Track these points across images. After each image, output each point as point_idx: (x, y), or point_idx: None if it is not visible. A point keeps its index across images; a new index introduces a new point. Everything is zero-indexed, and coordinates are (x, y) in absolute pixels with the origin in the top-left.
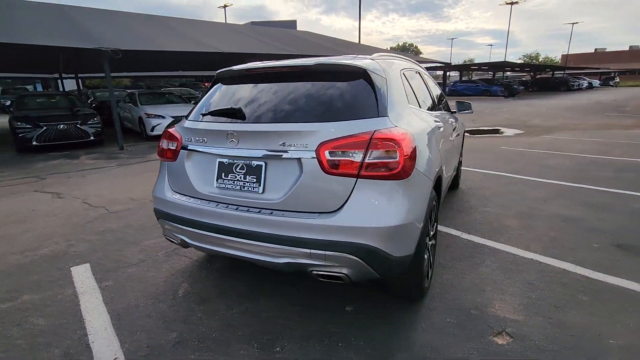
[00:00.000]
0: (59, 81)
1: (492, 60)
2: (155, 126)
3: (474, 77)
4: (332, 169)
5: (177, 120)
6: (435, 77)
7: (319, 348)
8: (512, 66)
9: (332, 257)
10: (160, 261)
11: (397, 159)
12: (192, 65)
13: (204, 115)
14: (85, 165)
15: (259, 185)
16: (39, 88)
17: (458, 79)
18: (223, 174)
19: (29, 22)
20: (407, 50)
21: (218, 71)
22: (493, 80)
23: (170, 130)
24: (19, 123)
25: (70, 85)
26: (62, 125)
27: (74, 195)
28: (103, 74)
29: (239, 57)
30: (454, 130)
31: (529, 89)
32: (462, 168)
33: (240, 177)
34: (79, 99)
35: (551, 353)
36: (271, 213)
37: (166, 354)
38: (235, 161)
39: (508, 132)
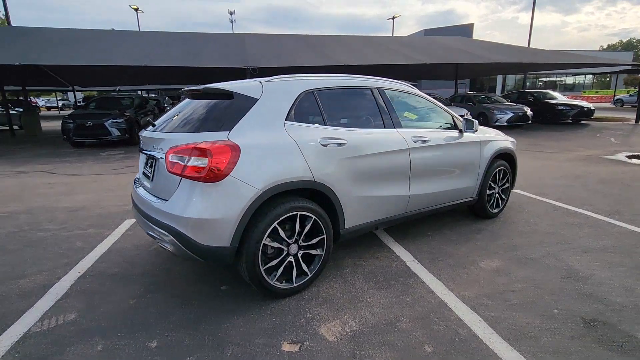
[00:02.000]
0: None
1: None
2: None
3: None
4: (170, 168)
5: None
6: None
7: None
8: None
9: (163, 235)
10: None
11: (206, 166)
12: None
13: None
14: None
15: (150, 176)
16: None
17: None
18: (144, 167)
19: (209, 49)
20: (634, 47)
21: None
22: None
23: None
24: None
25: None
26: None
27: None
28: None
29: (356, 69)
30: (436, 147)
31: None
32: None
33: (148, 171)
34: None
35: None
36: (150, 197)
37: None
38: (148, 159)
39: None
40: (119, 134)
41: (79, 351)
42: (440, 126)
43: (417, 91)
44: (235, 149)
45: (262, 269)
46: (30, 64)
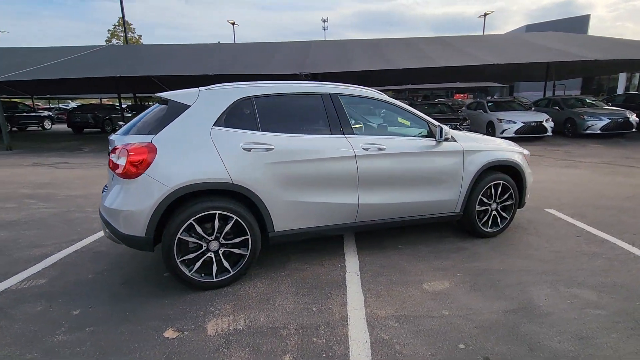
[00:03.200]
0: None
1: None
2: (505, 130)
3: None
4: (109, 165)
5: (526, 125)
6: None
7: None
8: None
9: (102, 223)
10: None
11: (123, 165)
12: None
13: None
14: None
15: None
16: None
17: None
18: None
19: (277, 58)
20: None
21: None
22: None
23: None
24: None
25: None
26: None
27: None
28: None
29: (418, 72)
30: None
31: None
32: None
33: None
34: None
35: None
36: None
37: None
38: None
39: None
40: None
41: (24, 309)
42: (411, 134)
43: (385, 98)
44: (152, 151)
45: (177, 260)
46: (143, 75)
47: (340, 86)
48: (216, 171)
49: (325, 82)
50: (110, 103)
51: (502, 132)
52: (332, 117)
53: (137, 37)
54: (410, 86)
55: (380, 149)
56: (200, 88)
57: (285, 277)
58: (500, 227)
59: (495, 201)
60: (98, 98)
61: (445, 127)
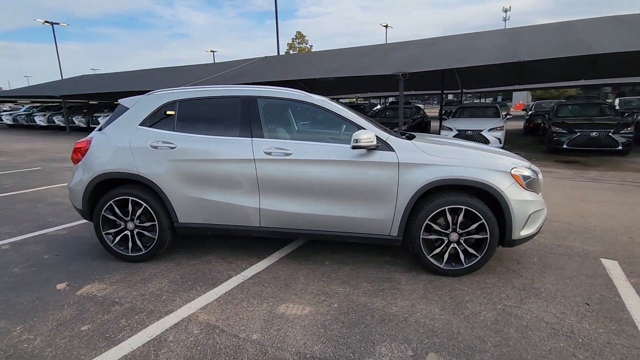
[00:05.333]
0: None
1: None
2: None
3: None
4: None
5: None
6: None
7: None
8: None
9: None
10: None
11: (72, 154)
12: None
13: None
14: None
15: None
16: (499, 99)
17: None
18: None
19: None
20: None
21: None
22: None
23: None
24: (557, 128)
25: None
26: (594, 133)
27: None
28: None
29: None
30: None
31: None
32: None
33: None
34: (610, 108)
35: None
36: None
37: None
38: None
39: None
40: None
41: (12, 268)
42: (335, 140)
43: (312, 100)
44: (88, 144)
45: (102, 232)
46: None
47: (265, 89)
48: (126, 163)
49: (255, 86)
50: None
51: None
52: (244, 120)
53: (309, 47)
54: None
55: (286, 154)
56: (148, 94)
57: (181, 266)
58: (465, 265)
59: (456, 231)
60: None
61: (372, 133)
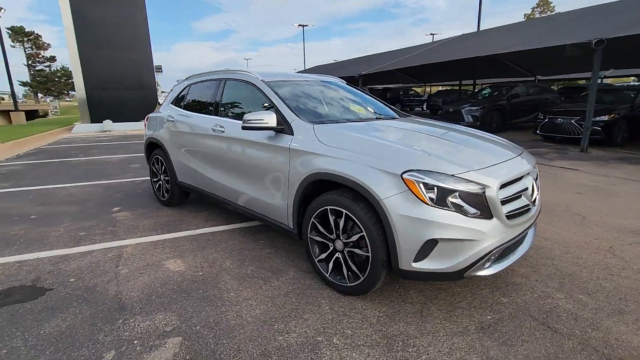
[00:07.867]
0: None
1: None
2: None
3: None
4: None
5: None
6: None
7: None
8: None
9: None
10: None
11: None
12: None
13: None
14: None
15: None
16: None
17: None
18: None
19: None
20: None
21: None
22: None
23: None
24: None
25: None
26: None
27: None
28: None
29: None
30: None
31: None
32: None
33: None
34: None
35: None
36: None
37: None
38: None
39: None
40: None
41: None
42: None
43: (255, 80)
44: (146, 118)
45: (151, 181)
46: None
47: (235, 71)
48: (156, 131)
49: (239, 69)
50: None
51: None
52: (216, 99)
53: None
54: None
55: (222, 131)
56: (180, 80)
57: (170, 216)
58: (348, 284)
59: (339, 238)
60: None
61: (269, 115)
